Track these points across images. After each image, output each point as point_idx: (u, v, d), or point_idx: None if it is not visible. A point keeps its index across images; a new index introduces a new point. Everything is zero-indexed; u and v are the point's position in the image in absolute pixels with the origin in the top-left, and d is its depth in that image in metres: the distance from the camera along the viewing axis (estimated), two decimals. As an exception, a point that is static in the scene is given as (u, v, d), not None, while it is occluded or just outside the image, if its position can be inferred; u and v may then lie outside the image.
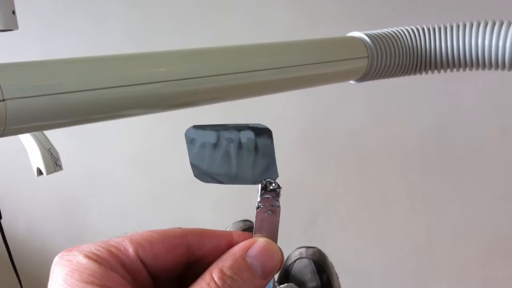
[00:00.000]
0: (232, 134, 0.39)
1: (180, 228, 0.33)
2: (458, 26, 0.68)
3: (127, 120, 0.52)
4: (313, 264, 0.68)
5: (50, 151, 0.80)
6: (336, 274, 0.73)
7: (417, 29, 0.70)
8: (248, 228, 0.74)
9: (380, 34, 0.68)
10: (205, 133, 0.40)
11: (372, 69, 0.67)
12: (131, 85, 0.43)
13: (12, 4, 0.43)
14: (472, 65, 0.67)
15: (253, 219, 0.35)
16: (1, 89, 0.33)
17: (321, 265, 0.69)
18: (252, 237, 0.34)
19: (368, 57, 0.66)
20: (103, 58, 0.44)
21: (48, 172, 0.80)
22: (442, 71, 0.71)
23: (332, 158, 1.66)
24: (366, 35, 0.67)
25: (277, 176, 0.39)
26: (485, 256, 1.61)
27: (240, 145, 0.39)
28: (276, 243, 0.33)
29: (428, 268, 1.64)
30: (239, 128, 0.39)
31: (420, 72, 0.72)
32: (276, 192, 0.37)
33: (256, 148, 0.39)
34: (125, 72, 0.44)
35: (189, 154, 0.40)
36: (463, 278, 1.63)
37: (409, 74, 0.72)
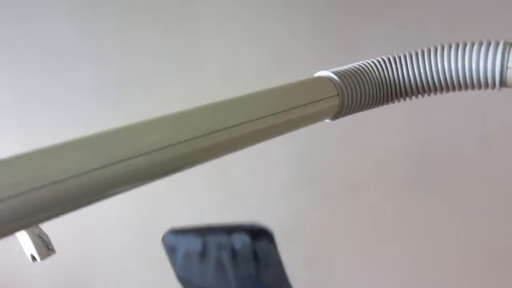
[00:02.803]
0: (222, 239, 0.31)
1: None
2: (422, 52, 0.69)
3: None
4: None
5: (40, 236, 0.79)
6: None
7: (383, 60, 0.71)
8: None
9: (346, 70, 0.69)
10: (187, 238, 0.33)
11: (344, 106, 0.67)
12: (120, 161, 0.43)
13: None
14: (442, 89, 0.68)
15: None
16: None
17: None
18: None
19: (338, 95, 0.66)
20: (84, 139, 0.44)
21: (42, 258, 0.78)
22: (413, 97, 0.72)
23: (324, 192, 1.65)
24: (333, 73, 0.68)
25: None
26: (485, 269, 1.60)
27: (234, 252, 0.31)
28: None
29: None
30: (230, 230, 0.31)
31: (392, 101, 0.73)
32: None
33: (255, 257, 0.31)
34: (111, 149, 0.44)
35: (172, 266, 0.33)
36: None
37: (382, 104, 0.73)
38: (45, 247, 0.82)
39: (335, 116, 0.69)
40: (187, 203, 1.71)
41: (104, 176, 0.44)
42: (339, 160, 1.61)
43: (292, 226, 1.63)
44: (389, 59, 0.71)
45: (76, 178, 0.43)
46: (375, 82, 0.69)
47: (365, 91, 0.69)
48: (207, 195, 1.69)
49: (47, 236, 0.86)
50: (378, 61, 0.71)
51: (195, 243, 0.31)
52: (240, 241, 0.30)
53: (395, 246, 1.64)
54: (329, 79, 0.67)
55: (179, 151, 0.51)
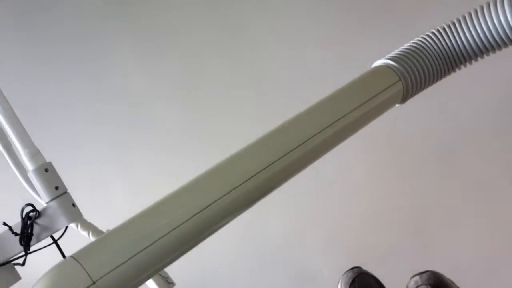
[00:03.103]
0: None
1: None
2: (476, 11, 0.68)
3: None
4: (432, 290, 0.68)
5: (159, 273, 0.86)
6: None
7: (437, 30, 0.70)
8: (357, 276, 0.75)
9: (402, 52, 0.69)
10: None
11: (408, 88, 0.68)
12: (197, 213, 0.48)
13: (71, 199, 0.50)
14: (504, 43, 0.66)
15: None
16: (89, 275, 0.38)
17: (440, 287, 0.69)
18: None
19: (400, 80, 0.67)
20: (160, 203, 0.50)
21: (165, 292, 0.85)
22: (478, 58, 0.70)
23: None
24: (390, 59, 0.69)
25: None
26: None
27: None
28: None
29: None
30: None
31: (458, 67, 0.72)
32: None
33: None
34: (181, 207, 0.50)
35: None
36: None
37: (449, 74, 0.72)
38: (165, 282, 0.89)
39: (404, 100, 0.69)
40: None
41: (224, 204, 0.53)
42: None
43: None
44: (443, 28, 0.70)
45: (194, 218, 0.51)
46: (435, 55, 0.69)
47: (426, 67, 0.68)
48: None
49: (165, 272, 0.93)
50: (433, 33, 0.70)
51: None
52: None
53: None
54: (386, 66, 0.68)
55: (280, 166, 0.57)
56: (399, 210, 1.54)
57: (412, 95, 0.71)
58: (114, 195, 1.67)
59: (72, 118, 1.70)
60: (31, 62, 1.72)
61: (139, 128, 1.67)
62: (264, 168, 0.57)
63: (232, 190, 0.54)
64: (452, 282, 0.72)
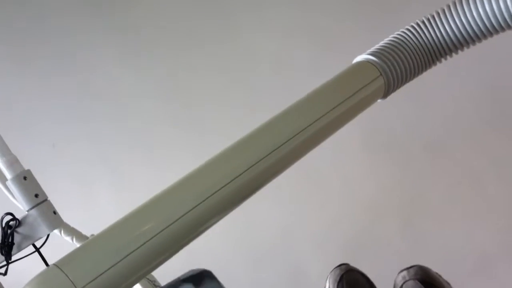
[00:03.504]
0: None
1: None
2: (454, 3, 0.68)
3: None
4: (419, 284, 0.68)
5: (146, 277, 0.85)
6: (446, 282, 0.71)
7: (417, 24, 0.70)
8: (345, 273, 0.75)
9: (382, 47, 0.69)
10: None
11: (390, 83, 0.68)
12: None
13: (52, 206, 0.49)
14: (483, 35, 0.66)
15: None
16: (73, 283, 0.37)
17: (427, 281, 0.69)
18: None
19: (381, 74, 0.66)
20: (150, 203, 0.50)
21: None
22: (458, 51, 0.70)
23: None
24: (370, 54, 0.68)
25: None
26: None
27: None
28: None
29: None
30: (173, 286, 0.31)
31: (439, 61, 0.72)
32: None
33: None
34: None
35: None
36: None
37: (429, 67, 0.72)
38: (152, 286, 0.89)
39: (385, 95, 0.69)
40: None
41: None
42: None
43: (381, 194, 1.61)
44: (422, 21, 0.70)
45: (181, 219, 0.50)
46: (415, 49, 0.69)
47: (407, 61, 0.68)
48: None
49: (152, 275, 0.92)
50: (413, 27, 0.70)
51: None
52: None
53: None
54: (367, 62, 0.67)
55: (264, 165, 0.57)
56: (389, 205, 1.54)
57: (394, 89, 0.70)
58: (99, 195, 1.66)
59: (54, 117, 1.67)
60: (9, 60, 1.69)
61: (125, 126, 1.65)
62: (250, 167, 0.56)
63: (219, 189, 0.54)
64: (440, 276, 0.72)
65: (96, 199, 1.65)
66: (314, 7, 1.55)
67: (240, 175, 0.56)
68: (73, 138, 1.66)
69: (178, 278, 0.32)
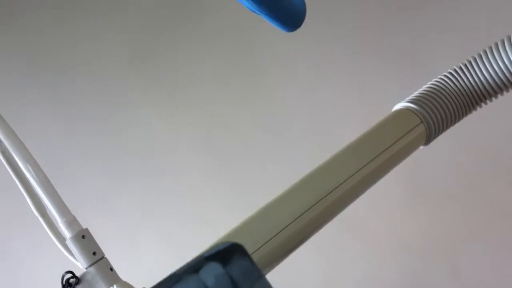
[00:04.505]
0: (190, 284, 0.25)
1: None
2: (491, 48, 0.69)
3: None
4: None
5: None
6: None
7: (454, 70, 0.71)
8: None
9: (421, 94, 0.70)
10: None
11: (431, 129, 0.68)
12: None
13: (108, 263, 0.52)
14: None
15: None
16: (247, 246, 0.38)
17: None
18: None
19: (422, 122, 0.67)
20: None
21: None
22: (498, 95, 0.71)
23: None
24: (410, 101, 0.70)
25: None
26: None
27: None
28: None
29: None
30: (194, 267, 0.26)
31: (479, 105, 0.72)
32: None
33: (235, 285, 0.26)
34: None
35: None
36: None
37: (470, 112, 0.73)
38: None
39: (427, 141, 0.70)
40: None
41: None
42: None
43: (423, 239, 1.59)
44: (460, 67, 0.71)
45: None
46: (454, 95, 0.70)
47: (447, 108, 0.69)
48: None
49: None
50: (450, 73, 0.71)
51: None
52: (212, 275, 0.25)
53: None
54: (407, 109, 0.68)
55: (309, 216, 0.59)
56: (434, 251, 1.51)
57: (436, 136, 0.71)
58: (143, 248, 1.69)
59: (97, 174, 1.73)
60: (56, 121, 1.77)
61: (164, 179, 1.69)
62: (294, 220, 0.57)
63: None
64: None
65: (142, 251, 1.68)
66: (344, 62, 1.59)
67: (281, 230, 0.57)
68: (120, 194, 1.71)
69: (202, 254, 0.27)
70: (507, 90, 0.68)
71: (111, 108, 1.75)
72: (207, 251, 0.27)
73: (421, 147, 0.71)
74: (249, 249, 0.53)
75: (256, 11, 0.44)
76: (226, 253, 0.26)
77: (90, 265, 0.52)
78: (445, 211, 1.52)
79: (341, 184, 0.61)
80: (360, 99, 1.55)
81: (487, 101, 0.71)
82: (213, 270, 0.25)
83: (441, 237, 1.51)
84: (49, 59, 1.81)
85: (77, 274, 0.53)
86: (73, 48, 1.80)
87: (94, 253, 0.53)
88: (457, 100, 0.70)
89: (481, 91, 0.69)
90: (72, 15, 1.84)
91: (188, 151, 1.68)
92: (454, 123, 0.72)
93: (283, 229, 0.55)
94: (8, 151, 0.57)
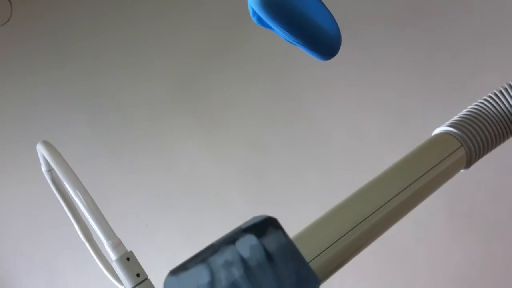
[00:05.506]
0: (227, 253, 0.27)
1: None
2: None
3: None
4: None
5: None
6: None
7: (494, 94, 0.71)
8: None
9: (461, 118, 0.70)
10: (191, 274, 0.29)
11: (472, 153, 0.68)
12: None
13: (151, 285, 0.53)
14: None
15: None
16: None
17: None
18: None
19: (462, 145, 0.67)
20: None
21: None
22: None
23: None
24: (450, 125, 0.69)
25: (318, 280, 0.30)
26: None
27: (245, 264, 0.26)
28: None
29: None
30: (231, 238, 0.27)
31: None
32: None
33: (269, 256, 0.27)
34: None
35: None
36: None
37: (510, 137, 0.72)
38: None
39: (468, 165, 0.69)
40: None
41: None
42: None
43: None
44: (500, 91, 0.70)
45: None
46: (495, 118, 0.69)
47: (488, 131, 0.68)
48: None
49: None
50: (490, 97, 0.71)
51: (201, 276, 0.27)
52: (247, 246, 0.26)
53: None
54: (447, 133, 0.68)
55: (346, 241, 0.58)
56: (479, 279, 1.47)
57: (477, 159, 0.70)
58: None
59: (143, 208, 1.77)
60: (103, 156, 1.83)
61: (210, 214, 1.72)
62: (330, 245, 0.57)
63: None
64: None
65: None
66: (382, 84, 1.59)
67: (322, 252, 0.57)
68: (162, 225, 1.75)
69: (240, 227, 0.28)
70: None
71: (156, 143, 1.79)
72: (245, 223, 0.29)
73: (462, 170, 0.71)
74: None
75: (294, 43, 0.46)
76: (262, 226, 0.28)
77: (134, 287, 0.54)
78: (490, 237, 1.48)
79: (384, 204, 0.61)
80: (401, 122, 1.54)
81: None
82: (249, 241, 0.27)
83: (486, 265, 1.47)
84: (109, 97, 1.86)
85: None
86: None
87: (138, 275, 0.54)
88: (498, 124, 0.69)
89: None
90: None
91: (233, 186, 1.70)
92: (495, 146, 0.71)
93: (323, 250, 0.55)
94: (58, 178, 0.59)
